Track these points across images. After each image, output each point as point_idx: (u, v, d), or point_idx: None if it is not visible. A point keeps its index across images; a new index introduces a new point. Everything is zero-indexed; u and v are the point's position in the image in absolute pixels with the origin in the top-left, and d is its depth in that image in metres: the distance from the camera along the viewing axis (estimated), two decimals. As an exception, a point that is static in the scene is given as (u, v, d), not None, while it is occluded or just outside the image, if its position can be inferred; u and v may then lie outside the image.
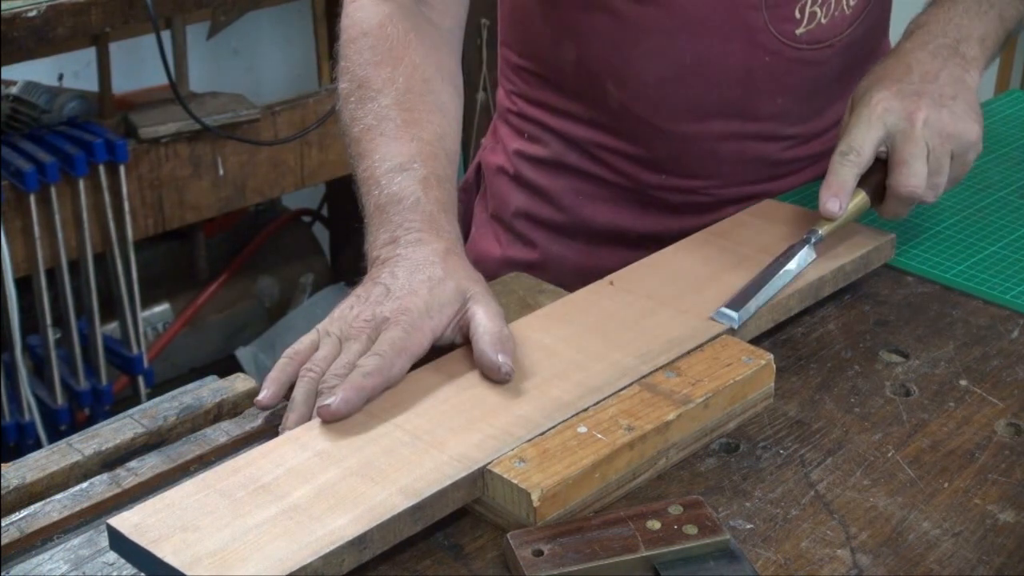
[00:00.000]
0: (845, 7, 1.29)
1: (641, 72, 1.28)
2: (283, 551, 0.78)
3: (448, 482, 0.84)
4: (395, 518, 0.81)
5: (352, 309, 0.98)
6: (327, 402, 0.89)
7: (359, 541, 0.79)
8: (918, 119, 1.11)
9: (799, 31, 1.27)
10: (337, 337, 0.96)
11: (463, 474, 0.85)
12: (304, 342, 0.97)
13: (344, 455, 0.86)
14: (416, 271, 0.98)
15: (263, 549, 0.78)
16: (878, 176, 1.14)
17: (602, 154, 1.36)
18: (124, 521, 0.81)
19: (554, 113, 1.38)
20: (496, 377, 0.94)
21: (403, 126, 1.09)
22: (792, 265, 1.08)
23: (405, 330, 0.95)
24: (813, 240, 1.11)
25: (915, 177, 1.11)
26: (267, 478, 0.84)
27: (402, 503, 0.82)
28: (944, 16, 1.22)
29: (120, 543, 0.81)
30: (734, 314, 1.02)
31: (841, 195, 1.11)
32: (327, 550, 0.78)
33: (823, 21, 1.28)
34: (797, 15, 1.26)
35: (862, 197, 1.13)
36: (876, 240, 1.15)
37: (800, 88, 1.32)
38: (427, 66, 1.15)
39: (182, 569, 0.76)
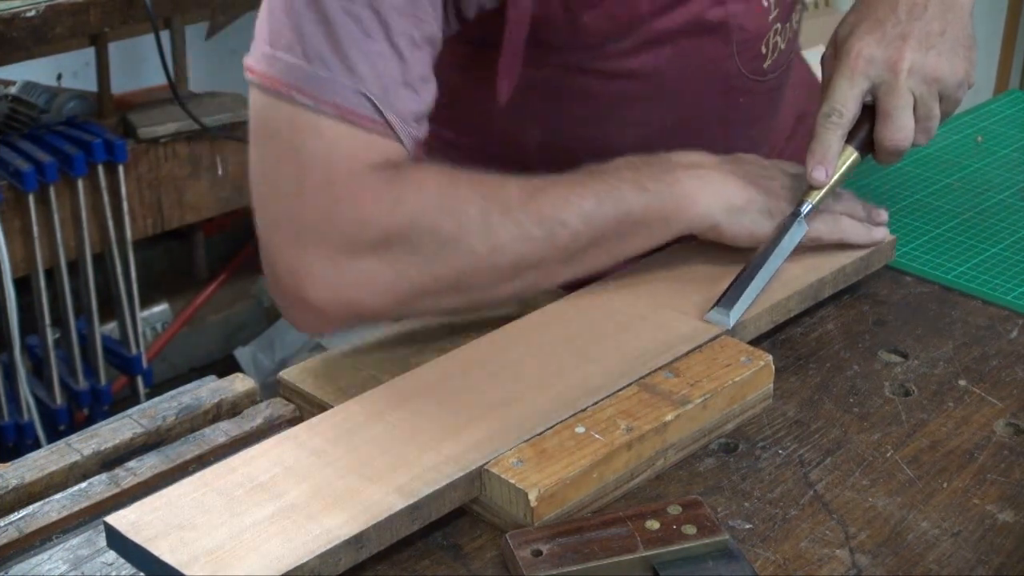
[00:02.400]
0: (792, 23, 1.26)
1: (618, 141, 1.16)
2: (279, 550, 0.77)
3: (445, 482, 0.84)
4: (392, 517, 0.81)
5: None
6: None
7: (356, 540, 0.79)
8: (902, 68, 1.09)
9: (767, 64, 1.23)
10: None
11: (460, 474, 0.85)
12: None
13: (341, 454, 0.86)
14: None
15: (259, 548, 0.78)
16: (867, 127, 1.11)
17: None
18: (121, 519, 0.80)
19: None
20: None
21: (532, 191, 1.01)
22: (784, 244, 1.07)
23: None
24: (804, 212, 1.09)
25: (901, 131, 1.09)
26: (264, 477, 0.84)
27: (399, 503, 0.82)
28: None
29: (117, 541, 0.81)
30: (726, 312, 1.02)
31: (826, 162, 1.09)
32: (323, 549, 0.78)
33: (782, 47, 1.25)
34: (764, 50, 1.22)
35: (850, 154, 1.11)
36: None
37: (769, 114, 1.30)
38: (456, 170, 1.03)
39: (178, 567, 0.76)
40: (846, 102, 1.09)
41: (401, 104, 0.94)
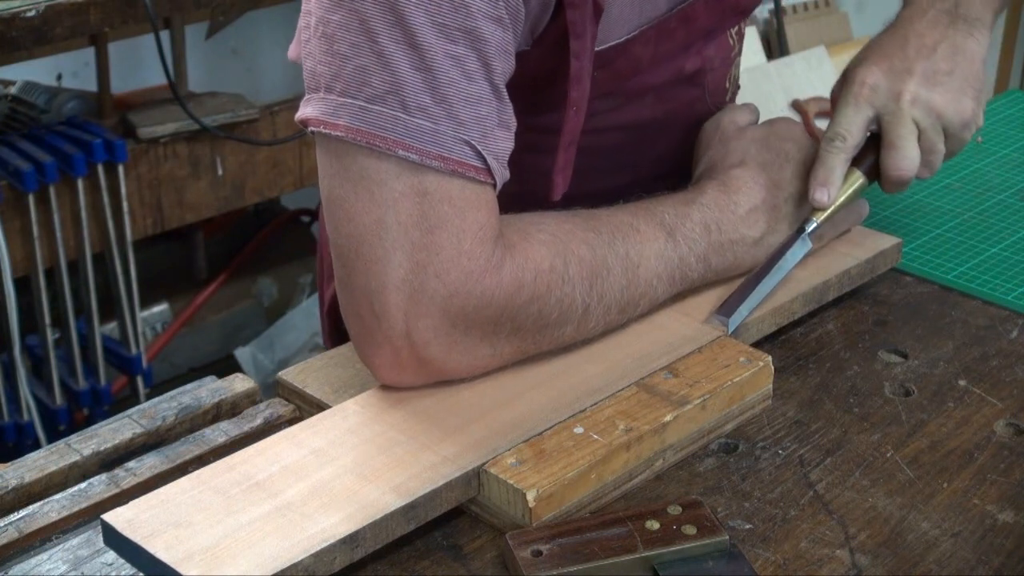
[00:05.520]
0: (740, 54, 1.26)
1: (595, 187, 1.13)
2: (274, 548, 0.77)
3: (442, 481, 0.84)
4: (387, 517, 0.81)
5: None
6: None
7: (351, 539, 0.79)
8: (905, 99, 1.10)
9: (728, 97, 1.25)
10: None
11: (457, 474, 0.85)
12: None
13: (339, 453, 0.86)
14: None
15: (254, 546, 0.78)
16: (874, 155, 1.12)
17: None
18: (117, 516, 0.81)
19: None
20: None
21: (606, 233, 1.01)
22: (786, 260, 1.08)
23: None
24: (808, 230, 1.09)
25: (905, 160, 1.10)
26: (261, 475, 0.84)
27: (395, 502, 0.82)
28: None
29: (114, 538, 0.81)
30: (725, 321, 1.02)
31: (828, 185, 1.09)
32: (318, 548, 0.78)
33: (736, 76, 1.26)
34: (727, 85, 1.23)
35: (858, 178, 1.12)
36: (882, 244, 1.15)
37: None
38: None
39: (173, 565, 0.76)
40: (850, 127, 1.10)
41: (496, 145, 0.91)
